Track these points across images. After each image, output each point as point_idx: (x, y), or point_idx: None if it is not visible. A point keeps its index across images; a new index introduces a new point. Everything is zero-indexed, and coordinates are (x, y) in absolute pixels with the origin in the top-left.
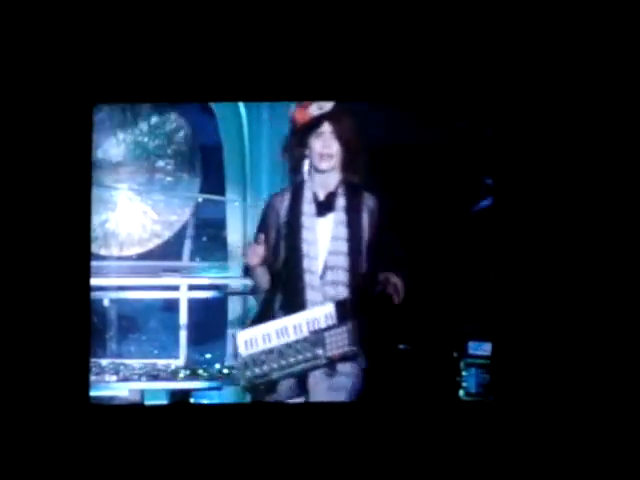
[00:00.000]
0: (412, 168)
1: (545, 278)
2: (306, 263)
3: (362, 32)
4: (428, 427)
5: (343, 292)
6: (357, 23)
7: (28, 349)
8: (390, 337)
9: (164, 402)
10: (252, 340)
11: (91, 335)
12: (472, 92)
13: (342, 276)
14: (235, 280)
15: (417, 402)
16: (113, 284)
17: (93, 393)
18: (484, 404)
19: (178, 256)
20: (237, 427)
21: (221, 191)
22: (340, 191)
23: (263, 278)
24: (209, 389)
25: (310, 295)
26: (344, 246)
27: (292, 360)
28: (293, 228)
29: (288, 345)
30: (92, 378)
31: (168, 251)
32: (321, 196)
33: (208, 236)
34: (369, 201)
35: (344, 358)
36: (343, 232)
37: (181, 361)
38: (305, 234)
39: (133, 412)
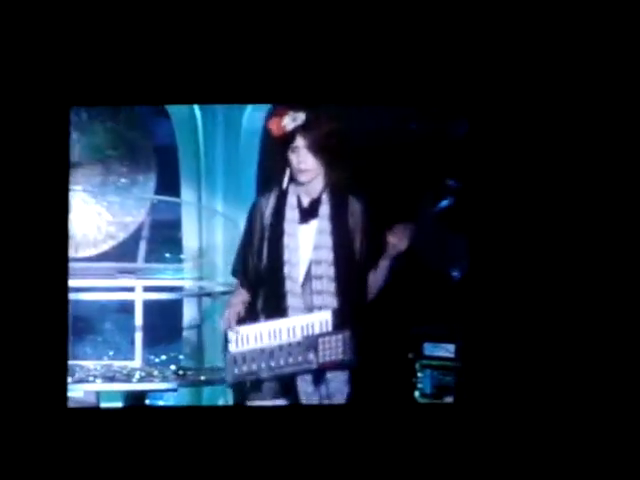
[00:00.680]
0: (372, 169)
1: (506, 279)
2: (287, 270)
3: (324, 31)
4: (384, 428)
5: (330, 301)
6: (319, 22)
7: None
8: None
9: (119, 404)
10: (243, 338)
11: (67, 335)
12: (442, 89)
13: (328, 285)
14: (190, 282)
15: (372, 403)
16: (69, 285)
17: None
18: (442, 406)
19: (133, 258)
20: (193, 429)
21: (176, 192)
22: (325, 197)
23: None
24: (165, 391)
25: (291, 302)
26: (329, 255)
27: (282, 362)
28: (275, 233)
29: (280, 347)
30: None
31: (123, 252)
32: (305, 202)
33: (163, 238)
34: (354, 205)
35: (336, 367)
36: (328, 241)
37: (137, 363)
38: (287, 240)
39: (89, 414)
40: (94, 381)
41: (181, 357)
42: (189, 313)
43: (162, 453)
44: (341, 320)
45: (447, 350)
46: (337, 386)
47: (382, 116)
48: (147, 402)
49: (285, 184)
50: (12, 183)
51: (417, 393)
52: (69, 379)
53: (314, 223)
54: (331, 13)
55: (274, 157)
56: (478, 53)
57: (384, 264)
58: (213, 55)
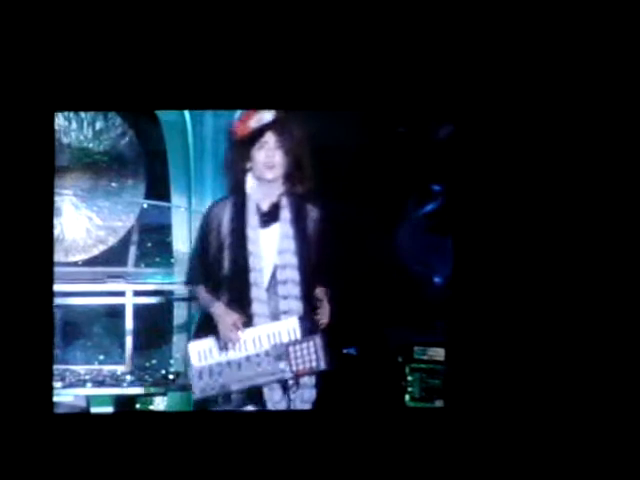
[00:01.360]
0: (358, 173)
1: (492, 281)
2: (252, 277)
3: (312, 36)
4: (375, 432)
5: (296, 306)
6: (308, 28)
7: None
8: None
9: (110, 408)
10: (206, 351)
11: (53, 340)
12: (427, 93)
13: (294, 290)
14: (180, 286)
15: (363, 407)
16: (58, 290)
17: None
18: (432, 410)
19: (123, 262)
20: (182, 434)
21: (166, 197)
22: (284, 202)
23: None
24: (154, 395)
25: (257, 308)
26: (293, 259)
27: (252, 373)
28: (237, 240)
29: (247, 358)
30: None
31: (113, 257)
32: (264, 207)
33: (153, 242)
34: (312, 212)
35: (311, 373)
36: (291, 245)
37: (127, 367)
38: (250, 247)
39: (77, 420)
40: (84, 385)
41: (171, 361)
42: (179, 317)
43: (151, 458)
44: (309, 326)
45: (437, 353)
46: (306, 392)
47: (368, 120)
48: (137, 406)
49: (244, 189)
50: None
51: (407, 397)
52: (59, 384)
53: (276, 227)
54: (319, 18)
55: (233, 162)
56: (464, 57)
57: None
58: (202, 60)
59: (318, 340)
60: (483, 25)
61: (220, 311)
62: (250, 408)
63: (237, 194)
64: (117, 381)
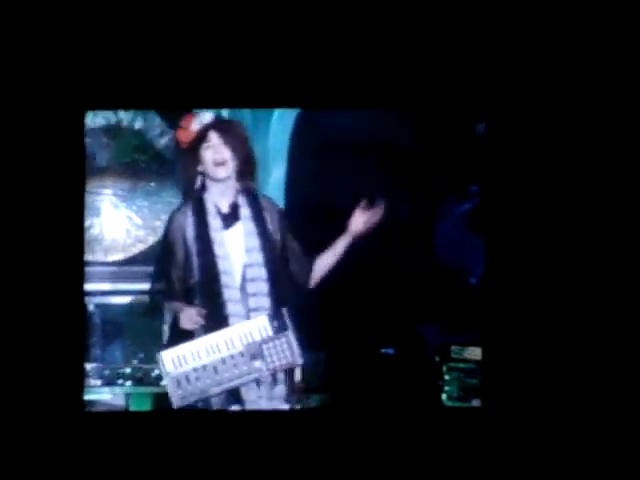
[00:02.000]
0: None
1: (533, 282)
2: (223, 279)
3: (342, 32)
4: (411, 432)
5: (265, 302)
6: (337, 24)
7: (20, 354)
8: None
9: (148, 406)
10: (179, 358)
11: (85, 339)
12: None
13: (262, 287)
14: None
15: (399, 407)
16: (98, 289)
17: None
18: (470, 410)
19: None
20: (222, 433)
21: None
22: (241, 200)
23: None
24: None
25: (231, 309)
26: (259, 256)
27: (228, 375)
28: (203, 244)
29: (222, 360)
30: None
31: (152, 256)
32: (224, 208)
33: None
34: (268, 205)
35: (287, 369)
36: (255, 242)
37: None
38: (217, 250)
39: (120, 418)
40: (123, 384)
41: None
42: None
43: (192, 457)
44: (279, 322)
45: (474, 353)
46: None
47: (407, 118)
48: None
49: (200, 194)
50: (28, 188)
51: (444, 396)
52: (98, 382)
53: (239, 226)
54: (351, 16)
55: (184, 169)
56: (495, 55)
57: (341, 244)
58: (236, 58)
59: (290, 335)
60: (517, 22)
61: (178, 307)
62: (234, 408)
63: (194, 199)
64: (155, 379)
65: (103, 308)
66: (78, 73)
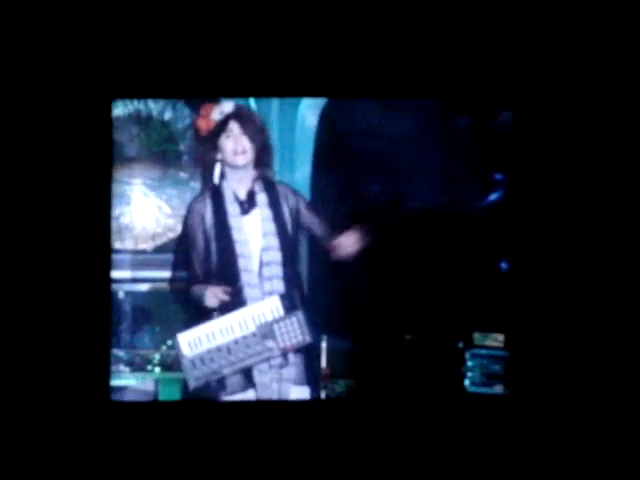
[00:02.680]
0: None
1: (557, 271)
2: (242, 263)
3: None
4: (434, 417)
5: (279, 285)
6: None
7: (48, 341)
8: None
9: (177, 391)
10: (195, 340)
11: (111, 326)
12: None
13: (277, 270)
14: None
15: (422, 393)
16: (128, 277)
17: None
18: (492, 397)
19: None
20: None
21: None
22: (258, 187)
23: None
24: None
25: (249, 293)
26: (275, 241)
27: (241, 355)
28: (222, 230)
29: (235, 341)
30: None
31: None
32: (241, 195)
33: None
34: (284, 191)
35: (298, 349)
36: (271, 227)
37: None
38: (235, 235)
39: (149, 406)
40: (153, 370)
41: None
42: None
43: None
44: (290, 303)
45: (497, 339)
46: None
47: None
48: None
49: (217, 180)
50: (55, 177)
51: (467, 382)
52: (128, 368)
53: (256, 212)
54: (373, 6)
55: (203, 157)
56: (519, 45)
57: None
58: (267, 46)
59: (300, 315)
60: (544, 12)
61: (202, 288)
62: (246, 393)
63: (213, 187)
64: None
65: (133, 295)
66: (105, 62)
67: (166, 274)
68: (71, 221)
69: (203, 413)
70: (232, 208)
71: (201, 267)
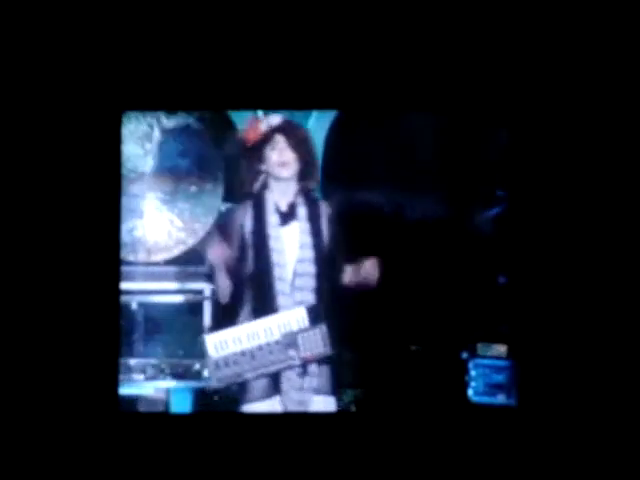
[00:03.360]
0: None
1: (558, 281)
2: (277, 271)
3: (363, 38)
4: (437, 428)
5: (310, 297)
6: (363, 30)
7: (58, 350)
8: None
9: (188, 400)
10: (222, 343)
11: (120, 336)
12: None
13: (309, 282)
14: None
15: (425, 403)
16: (141, 288)
17: (121, 391)
18: (496, 407)
19: (201, 262)
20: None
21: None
22: (299, 200)
23: (224, 287)
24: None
25: (282, 301)
26: (311, 253)
27: (264, 361)
28: (260, 238)
29: (260, 347)
30: (121, 377)
31: (192, 257)
32: (283, 206)
33: None
34: (326, 209)
35: (318, 360)
36: (308, 240)
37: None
38: (273, 244)
39: (157, 417)
40: (165, 379)
41: None
42: None
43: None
44: (316, 315)
45: (501, 350)
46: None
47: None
48: (215, 398)
49: (259, 190)
50: (65, 189)
51: (470, 391)
52: (141, 376)
53: (295, 225)
54: (376, 21)
55: (247, 167)
56: (516, 62)
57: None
58: (274, 59)
59: (324, 327)
60: (540, 29)
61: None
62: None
63: (255, 196)
64: (197, 374)
65: (145, 306)
66: (116, 75)
67: (178, 286)
68: (82, 232)
69: (212, 425)
70: (272, 218)
71: (232, 273)
